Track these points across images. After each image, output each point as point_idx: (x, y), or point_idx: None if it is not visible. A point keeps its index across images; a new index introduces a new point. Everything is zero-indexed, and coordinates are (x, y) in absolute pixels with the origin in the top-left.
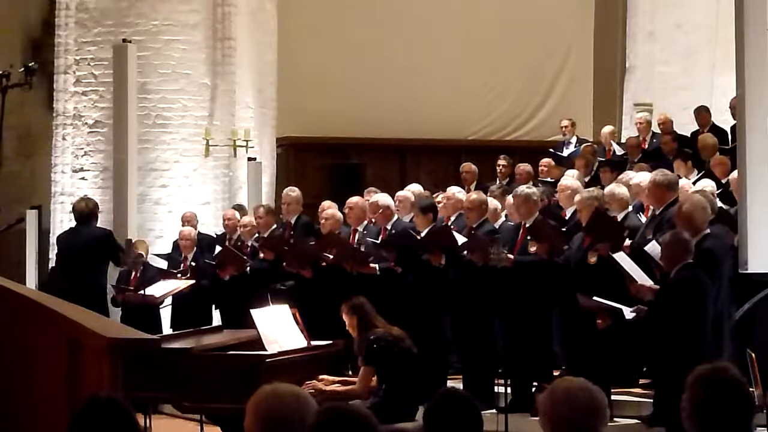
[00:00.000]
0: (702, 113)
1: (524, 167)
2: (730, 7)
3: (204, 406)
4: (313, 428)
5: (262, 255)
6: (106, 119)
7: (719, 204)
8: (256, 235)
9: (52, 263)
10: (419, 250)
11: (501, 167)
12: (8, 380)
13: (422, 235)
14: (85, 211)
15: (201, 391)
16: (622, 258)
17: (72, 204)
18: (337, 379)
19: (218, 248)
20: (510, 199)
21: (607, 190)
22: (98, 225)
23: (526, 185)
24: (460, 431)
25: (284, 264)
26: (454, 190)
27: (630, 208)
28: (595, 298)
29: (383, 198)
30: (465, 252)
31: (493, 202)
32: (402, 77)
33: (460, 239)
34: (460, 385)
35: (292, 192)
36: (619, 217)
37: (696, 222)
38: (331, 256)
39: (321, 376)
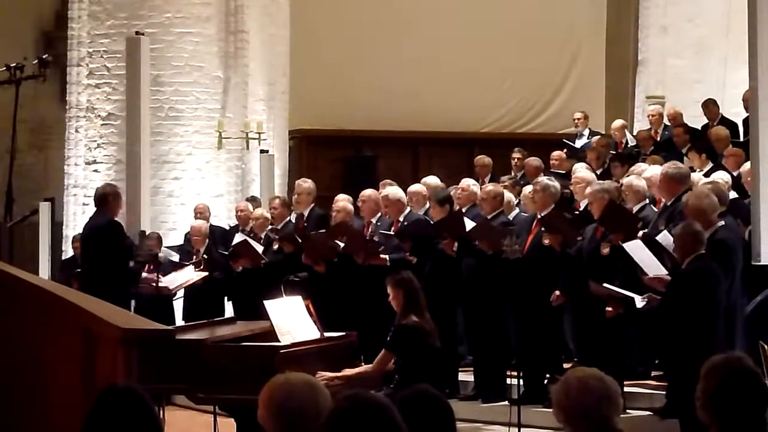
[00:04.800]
0: (710, 106)
1: (532, 161)
2: (742, 0)
3: (218, 398)
4: (331, 415)
5: (276, 247)
6: (119, 111)
7: (734, 195)
8: (270, 227)
9: (64, 255)
10: (432, 237)
11: (516, 159)
12: (23, 371)
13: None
14: (95, 197)
15: (215, 382)
16: (635, 248)
17: None
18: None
19: (237, 238)
20: (526, 190)
21: (625, 181)
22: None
23: (546, 177)
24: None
25: (303, 257)
26: (469, 182)
27: (646, 201)
28: (606, 285)
29: (394, 191)
30: (475, 241)
31: (507, 194)
32: (415, 70)
33: (470, 224)
34: (471, 377)
35: (305, 183)
36: (635, 209)
37: (707, 213)
38: (342, 245)
39: (319, 372)
